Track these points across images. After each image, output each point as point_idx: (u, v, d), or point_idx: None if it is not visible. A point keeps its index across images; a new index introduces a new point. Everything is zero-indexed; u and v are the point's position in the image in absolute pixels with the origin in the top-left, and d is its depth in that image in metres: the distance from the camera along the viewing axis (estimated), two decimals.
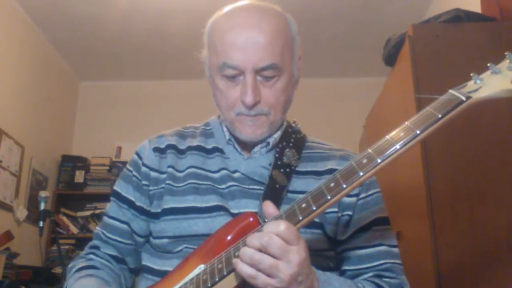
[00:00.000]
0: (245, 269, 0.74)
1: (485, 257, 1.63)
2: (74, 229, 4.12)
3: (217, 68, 0.95)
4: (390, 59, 2.17)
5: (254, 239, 0.75)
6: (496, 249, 1.63)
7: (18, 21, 3.68)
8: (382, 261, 0.96)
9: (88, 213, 4.18)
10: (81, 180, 4.21)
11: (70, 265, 1.04)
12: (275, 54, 0.92)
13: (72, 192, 4.24)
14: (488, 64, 0.73)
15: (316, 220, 0.93)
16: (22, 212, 3.61)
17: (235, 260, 0.76)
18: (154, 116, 4.41)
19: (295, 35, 1.00)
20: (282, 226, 0.74)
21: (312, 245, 0.93)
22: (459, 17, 1.94)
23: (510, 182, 1.69)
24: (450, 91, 0.73)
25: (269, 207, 0.80)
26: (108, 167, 4.29)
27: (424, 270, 1.69)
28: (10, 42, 3.57)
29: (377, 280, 0.94)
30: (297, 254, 0.73)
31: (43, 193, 2.80)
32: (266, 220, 0.81)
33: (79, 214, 4.19)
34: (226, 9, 0.99)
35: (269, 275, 0.73)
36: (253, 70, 0.91)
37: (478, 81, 0.73)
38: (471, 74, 0.74)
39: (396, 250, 0.99)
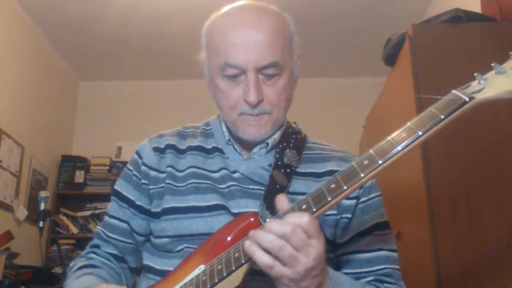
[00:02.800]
0: (263, 258, 0.72)
1: (485, 257, 1.63)
2: (74, 229, 4.12)
3: (217, 69, 0.95)
4: (390, 59, 2.17)
5: (275, 224, 0.73)
6: (496, 249, 1.63)
7: (18, 21, 3.68)
8: (382, 266, 0.96)
9: (88, 213, 4.18)
10: (81, 180, 4.21)
11: (70, 264, 1.05)
12: (275, 52, 0.92)
13: (72, 192, 4.23)
14: (492, 64, 0.71)
15: None
16: (22, 212, 3.61)
17: (252, 248, 0.73)
18: (154, 116, 4.41)
19: (293, 33, 1.00)
20: (305, 218, 0.72)
21: None
22: (459, 17, 1.94)
23: (510, 183, 1.69)
24: (453, 91, 0.72)
25: (281, 201, 0.78)
26: (108, 167, 4.29)
27: (424, 270, 1.70)
28: (10, 42, 3.57)
29: (380, 285, 0.94)
30: (316, 249, 0.73)
31: (43, 193, 2.80)
32: (272, 217, 0.79)
33: (79, 214, 4.19)
34: (224, 9, 0.99)
35: (284, 264, 0.72)
36: (255, 68, 0.91)
37: (482, 81, 0.71)
38: (475, 74, 0.72)
39: (395, 255, 0.99)
